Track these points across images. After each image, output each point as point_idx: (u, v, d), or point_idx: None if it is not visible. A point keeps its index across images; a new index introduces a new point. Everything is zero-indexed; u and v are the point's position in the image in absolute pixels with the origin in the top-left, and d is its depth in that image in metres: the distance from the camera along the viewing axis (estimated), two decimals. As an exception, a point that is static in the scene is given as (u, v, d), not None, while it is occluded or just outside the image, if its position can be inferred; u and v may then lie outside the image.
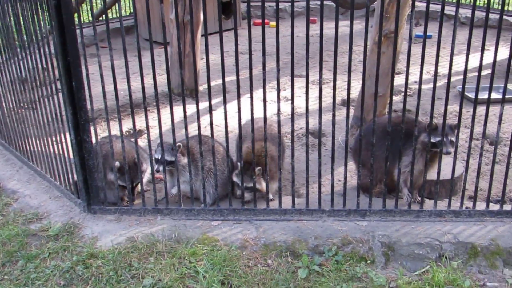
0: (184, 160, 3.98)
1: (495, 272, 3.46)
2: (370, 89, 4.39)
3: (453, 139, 3.81)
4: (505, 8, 9.25)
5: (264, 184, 4.02)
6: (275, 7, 3.46)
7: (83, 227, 3.93)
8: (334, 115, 3.66)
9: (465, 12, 10.61)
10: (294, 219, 3.90)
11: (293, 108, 3.67)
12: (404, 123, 3.70)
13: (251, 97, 3.62)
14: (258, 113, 3.84)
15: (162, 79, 7.26)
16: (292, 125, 3.71)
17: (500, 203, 3.87)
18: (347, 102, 3.68)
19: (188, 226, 3.87)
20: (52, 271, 3.50)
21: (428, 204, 3.95)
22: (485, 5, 3.94)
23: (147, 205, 4.04)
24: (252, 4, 11.83)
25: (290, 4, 3.45)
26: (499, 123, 3.62)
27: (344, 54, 8.06)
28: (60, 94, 3.87)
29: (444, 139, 3.80)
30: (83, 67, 3.68)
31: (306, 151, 3.77)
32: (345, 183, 3.86)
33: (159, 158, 3.96)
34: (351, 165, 4.74)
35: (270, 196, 4.13)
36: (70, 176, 4.20)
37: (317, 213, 3.91)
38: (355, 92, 5.94)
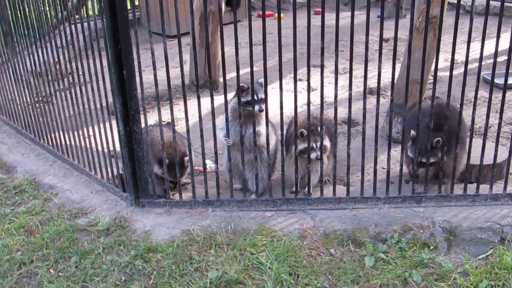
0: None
1: (560, 255, 3.44)
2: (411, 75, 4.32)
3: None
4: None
5: (329, 142, 4.02)
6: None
7: (133, 221, 3.82)
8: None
9: (468, 1, 10.54)
10: (349, 207, 3.84)
11: (350, 94, 3.59)
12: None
13: (309, 73, 3.55)
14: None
15: (178, 71, 7.11)
16: (349, 112, 3.63)
17: (556, 186, 3.85)
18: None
19: (242, 217, 3.79)
20: (109, 267, 3.39)
21: (483, 188, 3.91)
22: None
23: (197, 197, 3.94)
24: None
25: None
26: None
27: (358, 44, 7.96)
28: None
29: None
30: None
31: (363, 138, 3.70)
32: (401, 169, 3.80)
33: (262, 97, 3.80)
34: (394, 154, 4.68)
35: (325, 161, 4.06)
36: (113, 169, 4.08)
37: (372, 201, 3.85)
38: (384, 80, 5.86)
